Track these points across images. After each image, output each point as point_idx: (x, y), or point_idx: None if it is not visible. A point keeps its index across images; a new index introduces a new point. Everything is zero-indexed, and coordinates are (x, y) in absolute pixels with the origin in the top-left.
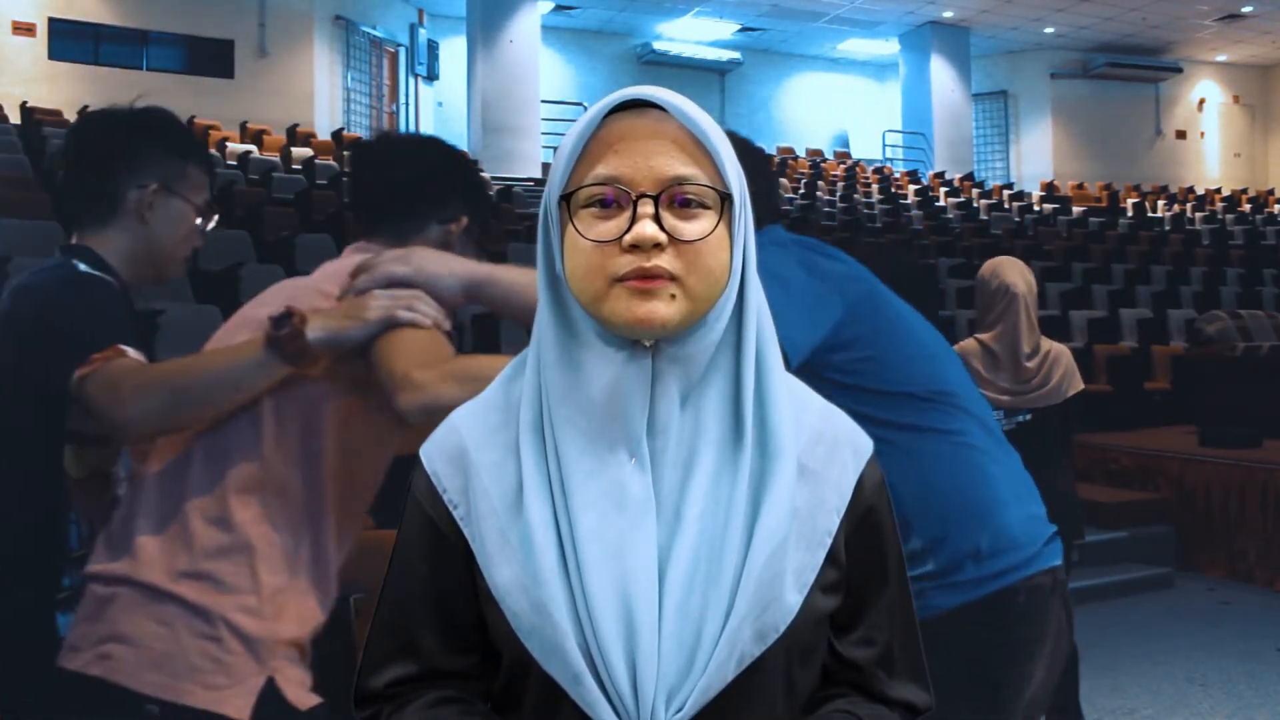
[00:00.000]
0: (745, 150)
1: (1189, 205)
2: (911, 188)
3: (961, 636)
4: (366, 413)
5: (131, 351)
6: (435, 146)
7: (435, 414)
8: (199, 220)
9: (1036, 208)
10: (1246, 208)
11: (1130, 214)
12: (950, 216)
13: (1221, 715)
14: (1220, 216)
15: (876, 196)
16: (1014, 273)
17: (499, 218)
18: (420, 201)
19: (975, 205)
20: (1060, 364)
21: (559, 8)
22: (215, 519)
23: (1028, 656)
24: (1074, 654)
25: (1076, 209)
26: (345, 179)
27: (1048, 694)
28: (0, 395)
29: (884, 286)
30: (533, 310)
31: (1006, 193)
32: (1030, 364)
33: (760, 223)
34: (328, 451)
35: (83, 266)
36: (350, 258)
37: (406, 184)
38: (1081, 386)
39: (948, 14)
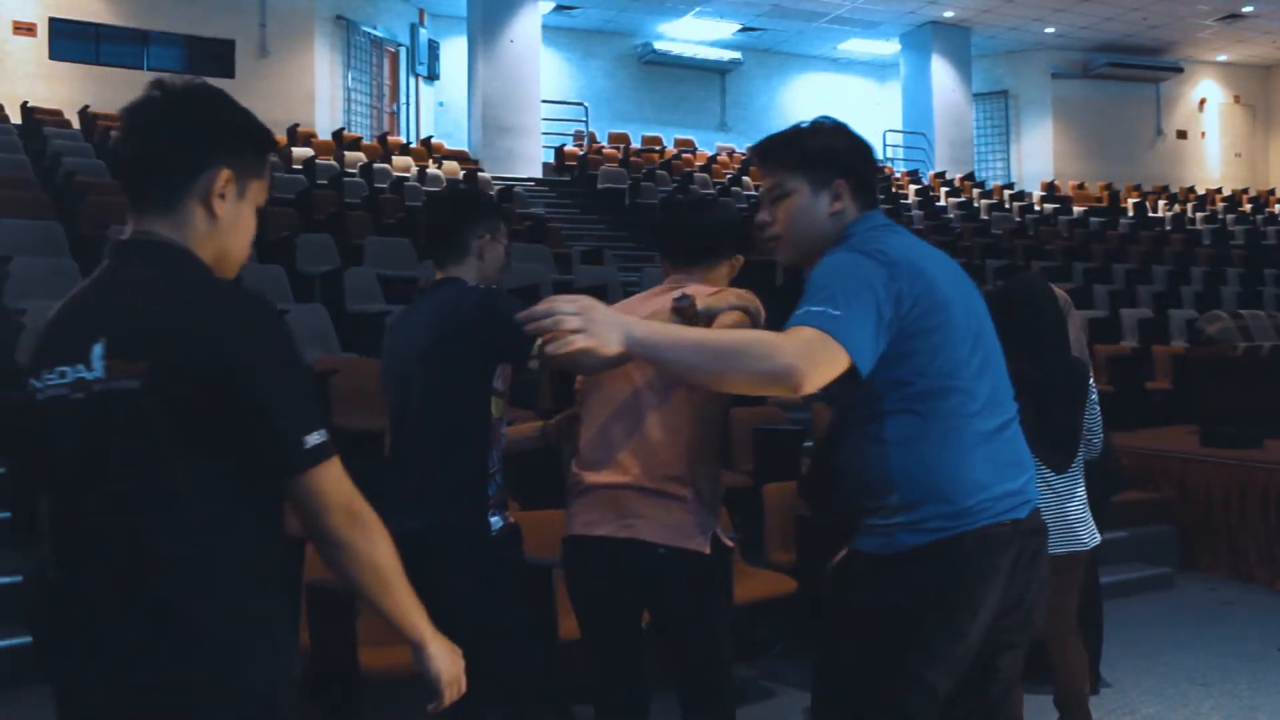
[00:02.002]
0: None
1: (1190, 205)
2: (912, 187)
3: (921, 568)
4: None
5: None
6: (724, 206)
7: None
8: (507, 257)
9: (1037, 207)
10: (1247, 208)
11: (1131, 214)
12: (951, 216)
13: (1223, 715)
14: (1221, 216)
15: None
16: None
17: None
18: (722, 246)
19: (976, 205)
20: None
21: (560, 8)
22: (669, 442)
23: (975, 585)
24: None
25: (1077, 209)
26: (661, 229)
27: (1021, 637)
28: (452, 372)
29: (945, 282)
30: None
31: (1007, 192)
32: None
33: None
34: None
35: (483, 287)
36: (674, 290)
37: (713, 234)
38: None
39: (948, 14)
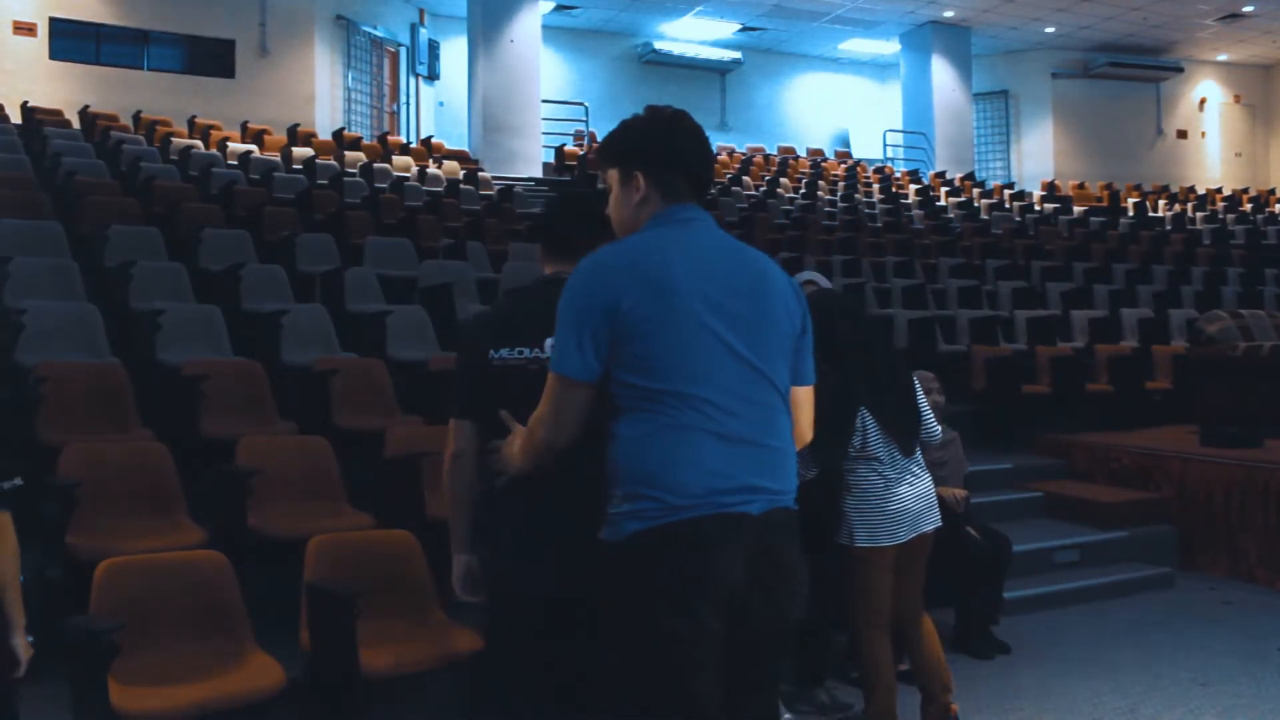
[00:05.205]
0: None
1: (1190, 205)
2: (912, 187)
3: (642, 554)
4: None
5: None
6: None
7: None
8: None
9: (1037, 207)
10: (1247, 207)
11: (1131, 213)
12: (951, 216)
13: (1223, 715)
14: (1221, 216)
15: (877, 196)
16: None
17: (500, 217)
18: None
19: (976, 205)
20: None
21: (560, 7)
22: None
23: (695, 571)
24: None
25: (1077, 208)
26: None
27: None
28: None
29: (690, 289)
30: None
31: (1007, 192)
32: None
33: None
34: None
35: None
36: None
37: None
38: None
39: (948, 13)
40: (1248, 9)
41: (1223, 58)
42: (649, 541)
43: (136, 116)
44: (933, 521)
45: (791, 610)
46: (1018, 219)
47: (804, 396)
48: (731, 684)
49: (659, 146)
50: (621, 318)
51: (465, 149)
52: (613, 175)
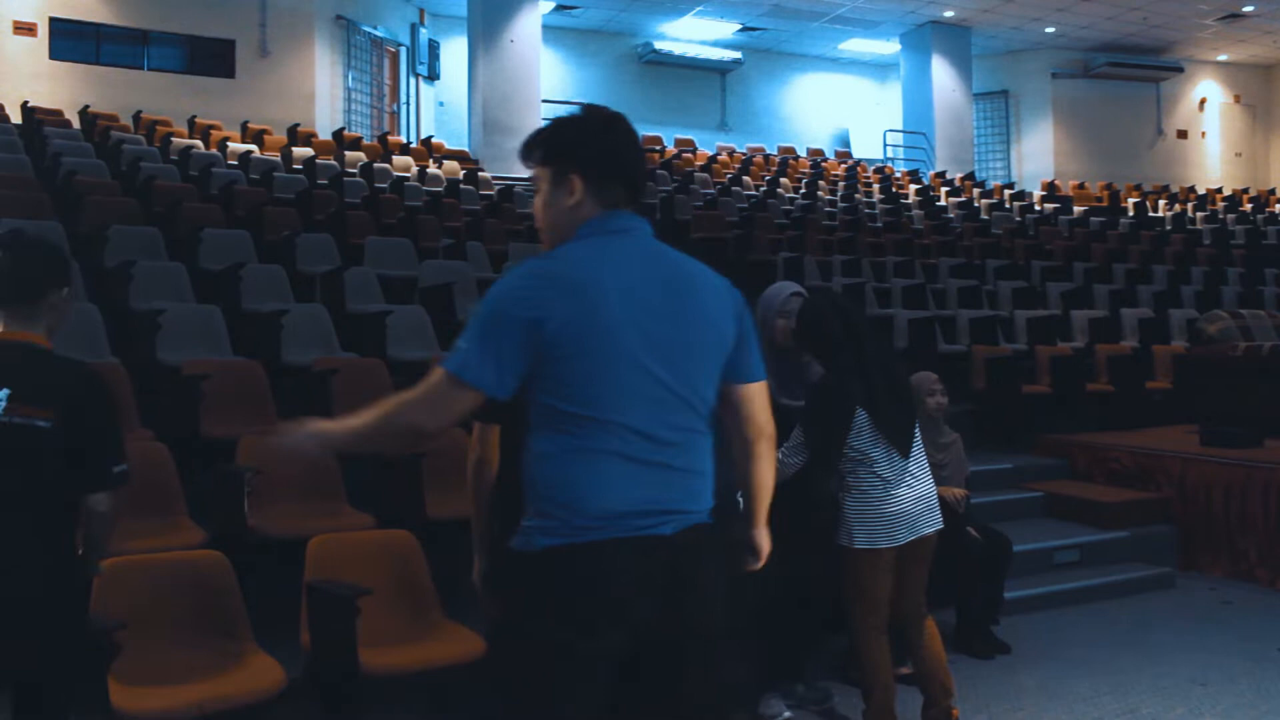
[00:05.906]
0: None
1: (1190, 205)
2: (912, 187)
3: (546, 568)
4: None
5: None
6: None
7: None
8: None
9: (1038, 207)
10: (1248, 207)
11: (1131, 213)
12: (951, 216)
13: (1223, 715)
14: (1221, 216)
15: (877, 196)
16: None
17: (500, 217)
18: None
19: (976, 205)
20: None
21: (560, 7)
22: None
23: (597, 589)
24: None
25: (1078, 208)
26: None
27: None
28: None
29: (620, 309)
30: None
31: (1007, 192)
32: None
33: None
34: None
35: None
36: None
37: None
38: None
39: (948, 13)
40: (1248, 9)
41: (1223, 58)
42: (556, 559)
43: (136, 116)
44: (933, 524)
45: (713, 624)
46: (1018, 219)
47: (754, 391)
48: (670, 704)
49: (598, 149)
50: (546, 338)
51: (465, 149)
52: (543, 174)
